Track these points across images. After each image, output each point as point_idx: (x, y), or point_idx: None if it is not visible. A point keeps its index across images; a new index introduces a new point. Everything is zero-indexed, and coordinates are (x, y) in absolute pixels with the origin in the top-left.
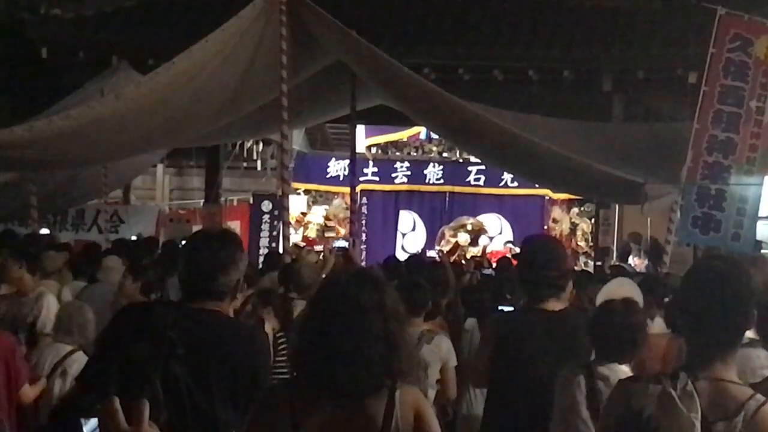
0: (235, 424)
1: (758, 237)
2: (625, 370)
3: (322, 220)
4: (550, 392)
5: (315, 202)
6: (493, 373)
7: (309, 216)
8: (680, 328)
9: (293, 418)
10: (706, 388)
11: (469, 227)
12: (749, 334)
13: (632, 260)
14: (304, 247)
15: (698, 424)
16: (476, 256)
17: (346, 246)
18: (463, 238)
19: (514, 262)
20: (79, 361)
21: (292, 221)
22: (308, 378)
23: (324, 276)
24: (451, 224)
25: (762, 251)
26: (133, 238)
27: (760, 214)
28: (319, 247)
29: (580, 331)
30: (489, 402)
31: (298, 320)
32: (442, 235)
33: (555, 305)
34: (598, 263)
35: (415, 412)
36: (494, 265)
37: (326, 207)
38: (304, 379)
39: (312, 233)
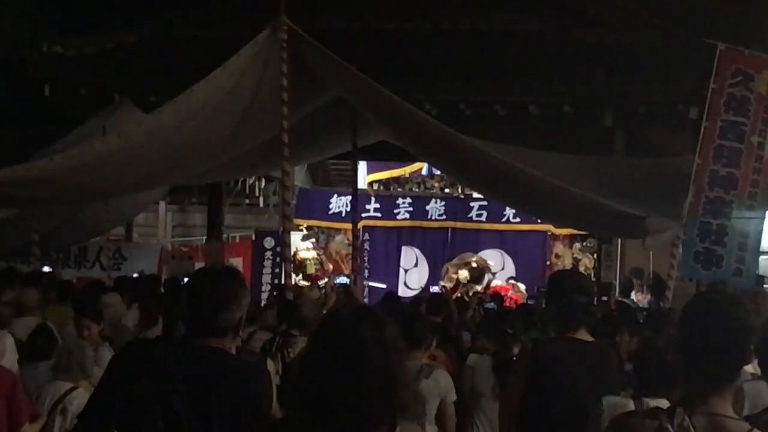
0: None
1: (760, 272)
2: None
3: (314, 254)
4: (582, 423)
5: (306, 237)
6: (525, 403)
7: (302, 253)
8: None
9: None
10: (703, 424)
11: (474, 264)
12: (750, 368)
13: (634, 295)
14: (309, 284)
15: None
16: (479, 292)
17: (348, 282)
18: (464, 275)
19: (516, 298)
20: (79, 398)
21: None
22: (309, 414)
23: (325, 312)
24: (455, 261)
25: (764, 286)
26: (135, 275)
27: (762, 248)
28: (322, 282)
29: (613, 363)
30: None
31: (300, 356)
32: (446, 271)
33: (586, 336)
34: (603, 298)
35: None
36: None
37: (313, 240)
38: (305, 415)
39: (311, 269)
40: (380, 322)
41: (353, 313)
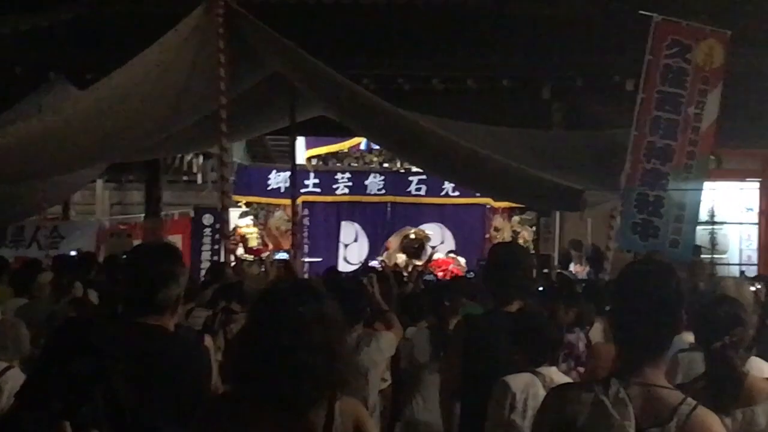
0: None
1: (697, 242)
2: (557, 372)
3: (255, 230)
4: None
5: (245, 214)
6: (463, 378)
7: (243, 229)
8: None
9: (234, 430)
10: (638, 394)
11: (412, 236)
12: (690, 338)
13: (573, 267)
14: (246, 260)
15: None
16: (418, 266)
17: (287, 258)
18: (401, 259)
19: (456, 271)
20: (14, 377)
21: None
22: (249, 390)
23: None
24: (393, 236)
25: (701, 256)
26: (73, 253)
27: (699, 219)
28: (264, 254)
29: (547, 336)
30: (463, 407)
31: (239, 333)
32: (386, 249)
33: (522, 309)
34: (544, 271)
35: (355, 423)
36: (437, 273)
37: (252, 217)
38: (245, 391)
39: (253, 243)
40: (319, 297)
41: (292, 288)
